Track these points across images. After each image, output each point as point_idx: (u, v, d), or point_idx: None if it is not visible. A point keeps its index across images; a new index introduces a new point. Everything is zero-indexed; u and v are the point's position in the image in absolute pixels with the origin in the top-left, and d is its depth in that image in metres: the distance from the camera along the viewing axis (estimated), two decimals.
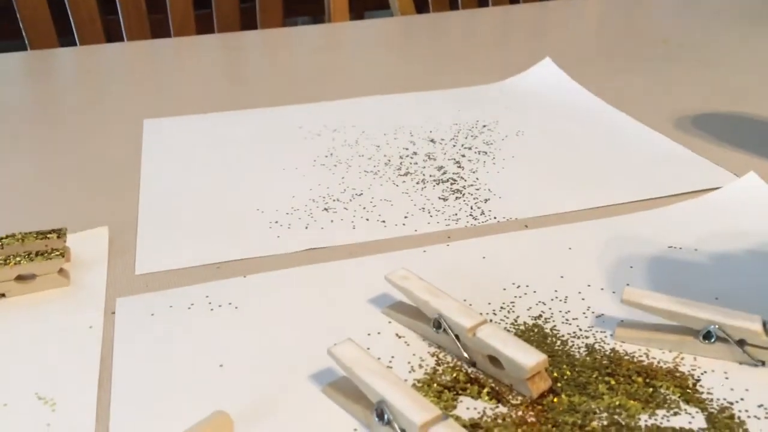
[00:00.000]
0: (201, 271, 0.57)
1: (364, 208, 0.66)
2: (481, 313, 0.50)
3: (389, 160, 0.76)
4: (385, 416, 0.39)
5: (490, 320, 0.49)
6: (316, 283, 0.55)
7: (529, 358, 0.42)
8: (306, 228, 0.63)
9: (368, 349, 0.47)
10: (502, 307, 0.51)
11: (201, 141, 0.82)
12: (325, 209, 0.66)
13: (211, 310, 0.51)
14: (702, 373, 0.44)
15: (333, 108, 0.92)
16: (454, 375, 0.44)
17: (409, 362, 0.46)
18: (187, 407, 0.42)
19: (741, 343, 0.45)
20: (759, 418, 0.41)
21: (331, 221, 0.64)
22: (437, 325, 0.46)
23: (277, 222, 0.64)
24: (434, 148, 0.79)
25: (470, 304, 0.52)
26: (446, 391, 0.43)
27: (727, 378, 0.44)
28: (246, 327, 0.50)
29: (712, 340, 0.45)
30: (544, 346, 0.47)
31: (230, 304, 0.52)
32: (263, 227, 0.63)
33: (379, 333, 0.49)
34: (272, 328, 0.49)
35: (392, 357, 0.46)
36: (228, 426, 0.40)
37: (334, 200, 0.68)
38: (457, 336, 0.45)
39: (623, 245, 0.59)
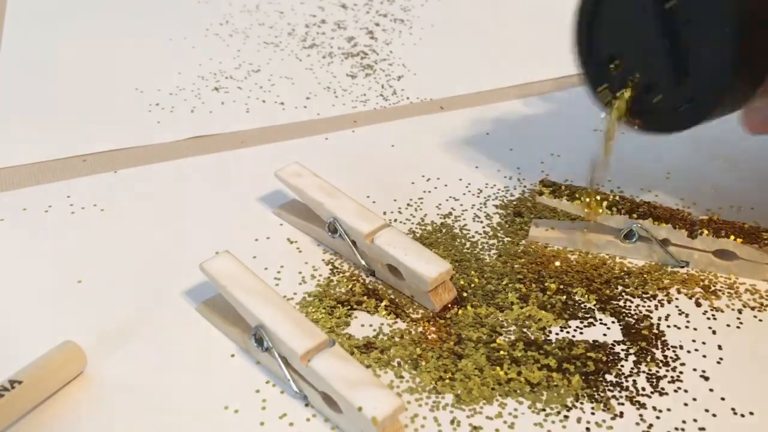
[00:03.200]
0: (63, 165, 0.48)
1: (261, 87, 0.58)
2: (384, 213, 0.45)
3: (293, 30, 0.67)
4: (264, 342, 0.33)
5: (393, 222, 0.44)
6: (198, 178, 0.48)
7: (432, 269, 0.37)
8: (192, 112, 0.55)
9: (254, 257, 0.41)
10: (409, 204, 0.46)
11: (73, 4, 0.70)
12: (216, 89, 0.58)
13: (73, 213, 0.44)
14: (620, 276, 0.40)
15: None
16: (350, 286, 0.39)
17: (300, 272, 0.40)
18: (35, 333, 0.36)
19: (664, 242, 0.41)
20: (679, 328, 0.37)
21: (222, 103, 0.56)
22: (332, 229, 0.41)
23: (157, 104, 0.55)
24: (345, 15, 0.70)
25: (374, 202, 0.46)
26: (340, 306, 0.38)
27: (646, 283, 0.40)
28: (112, 234, 0.43)
29: (634, 239, 0.41)
30: (451, 248, 0.42)
31: (95, 205, 0.45)
32: (141, 111, 0.55)
33: (268, 238, 0.43)
34: (143, 234, 0.43)
35: (282, 266, 0.41)
36: (78, 357, 0.34)
37: (226, 78, 0.59)
38: (353, 242, 0.40)
39: (545, 129, 0.54)
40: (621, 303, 0.39)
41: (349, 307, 0.38)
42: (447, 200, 0.46)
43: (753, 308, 0.39)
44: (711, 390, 0.34)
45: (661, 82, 0.35)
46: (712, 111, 0.34)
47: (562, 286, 0.40)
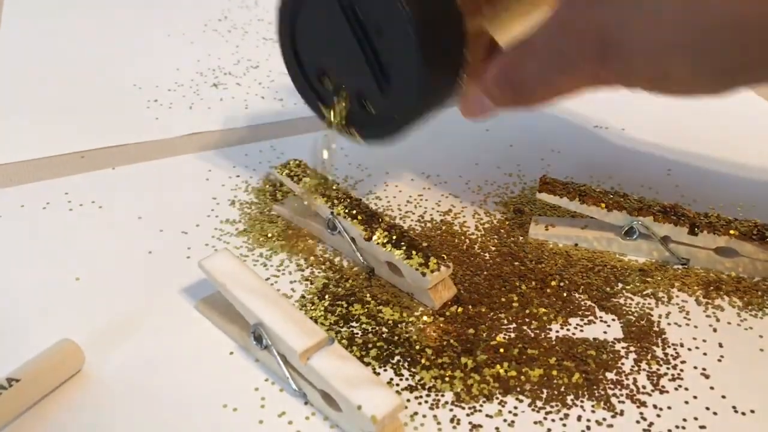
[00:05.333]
0: (61, 161, 0.48)
1: (260, 83, 0.58)
2: (383, 211, 0.45)
3: None
4: (263, 340, 0.33)
5: (392, 220, 0.44)
6: (198, 175, 0.47)
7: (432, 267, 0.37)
8: (190, 108, 0.54)
9: (253, 253, 0.41)
10: (408, 201, 0.46)
11: (72, 1, 0.70)
12: (215, 85, 0.57)
13: (71, 210, 0.44)
14: (621, 274, 0.40)
15: None
16: (350, 284, 0.39)
17: (299, 269, 0.40)
18: (33, 330, 0.36)
19: (665, 240, 0.41)
20: (680, 326, 0.37)
21: (221, 100, 0.56)
22: (332, 226, 0.40)
23: (156, 101, 0.55)
24: None
25: (378, 198, 0.46)
26: (339, 304, 0.38)
27: (647, 281, 0.40)
28: (111, 231, 0.42)
29: (634, 237, 0.41)
30: (451, 246, 0.42)
31: (94, 202, 0.44)
32: (139, 107, 0.54)
33: (268, 236, 0.42)
34: (142, 232, 0.42)
35: (281, 263, 0.40)
36: (77, 355, 0.34)
37: (225, 74, 0.59)
38: (353, 239, 0.40)
39: (545, 125, 0.54)
40: (621, 301, 0.39)
41: (348, 304, 0.38)
42: (447, 197, 0.46)
43: (754, 306, 0.38)
44: (712, 388, 0.34)
45: (369, 92, 0.35)
46: (422, 112, 0.34)
47: (562, 284, 0.40)
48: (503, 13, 0.34)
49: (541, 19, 0.33)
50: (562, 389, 0.34)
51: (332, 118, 0.37)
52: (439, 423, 0.32)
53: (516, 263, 0.41)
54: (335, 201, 0.40)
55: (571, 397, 0.33)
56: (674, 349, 0.36)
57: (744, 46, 0.26)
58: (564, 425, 0.32)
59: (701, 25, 0.26)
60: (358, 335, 0.36)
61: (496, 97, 0.34)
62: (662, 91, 0.29)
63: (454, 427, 0.32)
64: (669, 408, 0.33)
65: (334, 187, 0.41)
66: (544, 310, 0.38)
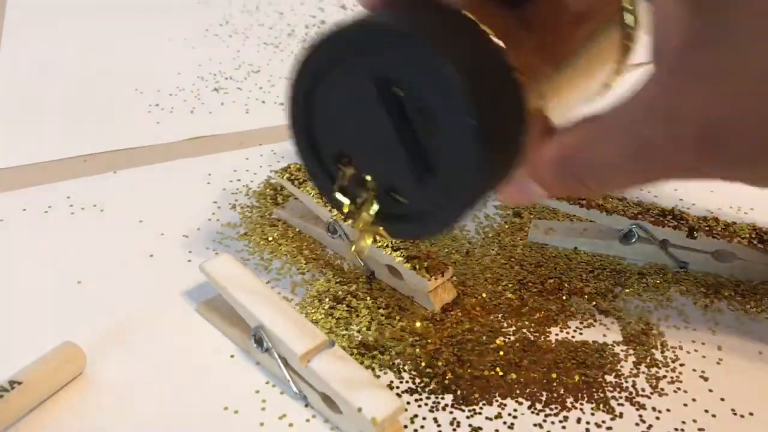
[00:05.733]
0: (63, 165, 0.48)
1: (261, 88, 0.58)
2: None
3: (293, 30, 0.67)
4: (264, 343, 0.33)
5: None
6: (199, 179, 0.48)
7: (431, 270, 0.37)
8: (191, 112, 0.55)
9: (254, 256, 0.41)
10: None
11: (74, 6, 0.70)
12: (216, 89, 0.58)
13: (72, 213, 0.44)
14: (620, 277, 0.40)
15: None
16: (350, 287, 0.39)
17: (300, 273, 0.40)
18: (35, 333, 0.36)
19: (664, 243, 0.41)
20: (679, 329, 0.37)
21: (222, 104, 0.56)
22: (332, 230, 0.41)
23: (157, 105, 0.55)
24: (345, 16, 0.70)
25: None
26: (339, 306, 0.38)
27: (645, 284, 0.40)
28: (112, 234, 0.43)
29: (633, 240, 0.41)
30: (451, 250, 0.42)
31: (95, 206, 0.45)
32: (141, 111, 0.55)
33: (269, 239, 0.43)
34: (143, 235, 0.43)
35: (281, 266, 0.41)
36: (78, 357, 0.34)
37: (226, 78, 0.59)
38: (353, 243, 0.40)
39: None
40: (620, 304, 0.39)
41: (348, 307, 0.38)
42: None
43: (752, 309, 0.39)
44: (710, 390, 0.34)
45: (403, 182, 0.26)
46: (472, 207, 0.26)
47: (561, 287, 0.40)
48: (559, 79, 0.27)
49: (604, 84, 0.29)
50: (562, 392, 0.34)
51: (356, 217, 0.28)
52: (439, 425, 0.32)
53: (516, 266, 0.41)
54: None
55: (571, 399, 0.33)
56: (673, 351, 0.36)
57: None
58: (563, 428, 0.32)
59: None
60: (359, 338, 0.36)
61: (550, 185, 0.27)
62: None
63: (454, 430, 0.32)
64: (668, 410, 0.33)
65: None
66: (543, 313, 0.38)
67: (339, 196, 0.28)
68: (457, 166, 0.24)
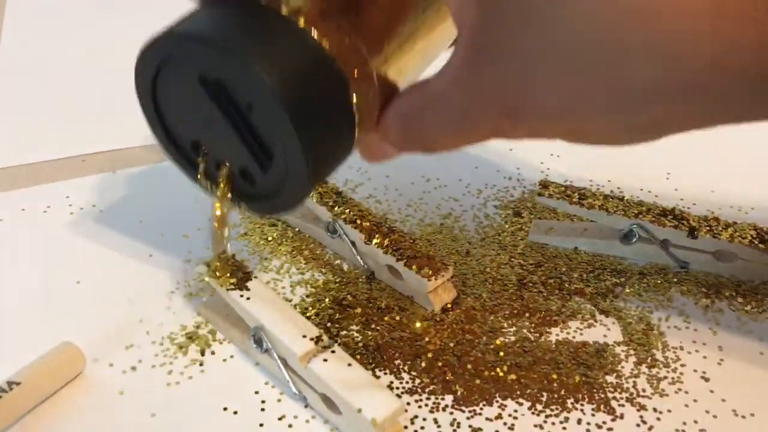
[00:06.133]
0: (62, 165, 0.48)
1: None
2: (385, 214, 0.45)
3: None
4: (263, 344, 0.33)
5: (393, 223, 0.44)
6: None
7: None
8: None
9: (254, 257, 0.41)
10: (408, 205, 0.46)
11: (73, 5, 0.70)
12: None
13: (71, 213, 0.44)
14: (620, 277, 0.40)
15: None
16: (350, 287, 0.39)
17: (299, 273, 0.40)
18: (34, 333, 0.36)
19: (664, 243, 0.41)
20: (680, 329, 0.37)
21: None
22: (332, 229, 0.41)
23: None
24: None
25: (379, 202, 0.46)
26: (339, 307, 0.38)
27: (646, 284, 0.40)
28: (112, 234, 0.42)
29: (634, 240, 0.41)
30: (451, 250, 0.42)
31: (94, 206, 0.45)
32: (140, 111, 0.54)
33: (269, 239, 0.43)
34: (143, 235, 0.42)
35: (281, 266, 0.41)
36: (78, 358, 0.34)
37: None
38: (353, 243, 0.40)
39: None
40: (621, 304, 0.39)
41: (348, 307, 0.38)
42: (446, 201, 0.46)
43: (754, 309, 0.38)
44: (712, 391, 0.34)
45: (252, 169, 0.30)
46: (314, 181, 0.29)
47: (562, 287, 0.40)
48: (400, 48, 0.30)
49: (443, 40, 0.32)
50: (562, 392, 0.34)
51: (217, 193, 0.31)
52: (439, 426, 0.32)
53: (516, 267, 0.41)
54: (334, 205, 0.40)
55: (571, 400, 0.33)
56: (674, 352, 0.36)
57: (667, 106, 0.24)
58: (564, 428, 0.32)
59: (614, 87, 0.23)
60: (359, 338, 0.36)
61: (397, 144, 0.31)
62: (579, 143, 0.27)
63: (454, 430, 0.32)
64: (669, 411, 0.33)
65: (334, 191, 0.41)
66: (544, 313, 0.38)
67: (202, 179, 0.31)
68: (287, 154, 0.27)
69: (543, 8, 0.23)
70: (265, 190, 0.30)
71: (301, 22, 0.27)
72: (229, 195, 0.31)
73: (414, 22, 0.30)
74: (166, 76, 0.29)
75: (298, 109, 0.26)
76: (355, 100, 0.28)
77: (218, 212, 0.33)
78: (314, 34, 0.27)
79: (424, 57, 0.32)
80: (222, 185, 0.31)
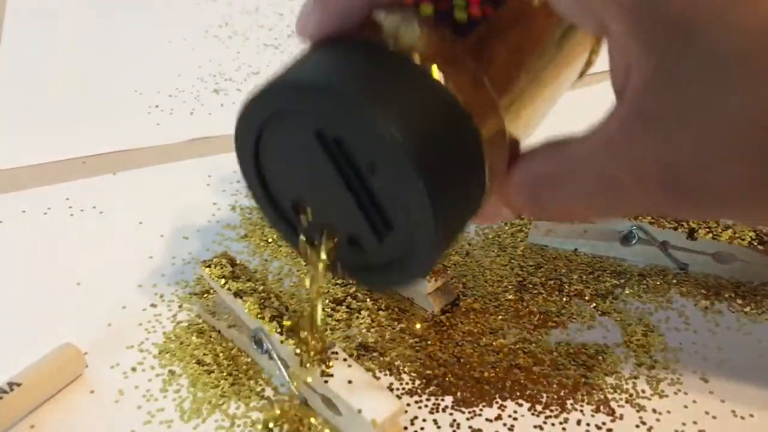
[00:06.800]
0: (63, 167, 0.48)
1: None
2: None
3: (293, 32, 0.67)
4: (264, 345, 0.33)
5: None
6: (199, 180, 0.47)
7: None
8: (191, 114, 0.55)
9: (254, 258, 0.41)
10: None
11: (74, 8, 0.70)
12: (215, 91, 0.58)
13: (72, 215, 0.44)
14: (620, 279, 0.40)
15: None
16: (350, 289, 0.39)
17: (302, 275, 0.40)
18: (35, 335, 0.36)
19: (664, 245, 0.41)
20: (679, 330, 0.37)
21: (221, 105, 0.56)
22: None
23: (157, 106, 0.55)
24: None
25: None
26: (339, 308, 0.38)
27: (646, 286, 0.40)
28: (112, 236, 0.43)
29: (634, 242, 0.41)
30: (451, 251, 0.42)
31: (95, 207, 0.45)
32: (140, 113, 0.55)
33: (268, 241, 0.43)
34: (142, 236, 0.43)
35: (282, 268, 0.41)
36: (78, 359, 0.34)
37: (226, 80, 0.59)
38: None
39: (545, 130, 0.54)
40: (621, 305, 0.39)
41: (348, 309, 0.38)
42: None
43: (753, 310, 0.38)
44: (711, 392, 0.34)
45: (363, 236, 0.25)
46: (437, 256, 0.25)
47: (562, 289, 0.40)
48: (520, 91, 0.26)
49: (568, 83, 0.28)
50: (562, 393, 0.34)
51: (318, 261, 0.27)
52: (439, 427, 0.32)
53: (516, 268, 0.41)
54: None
55: (571, 401, 0.33)
56: (674, 353, 0.36)
57: None
58: (563, 429, 0.32)
59: None
60: (358, 340, 0.36)
61: (521, 209, 0.27)
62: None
63: (454, 431, 0.32)
64: (668, 412, 0.33)
65: None
66: (543, 314, 0.38)
67: (302, 245, 0.27)
68: (414, 222, 0.23)
69: (734, 73, 0.19)
70: (377, 260, 0.26)
71: (435, 71, 0.23)
72: (335, 265, 0.27)
73: (544, 60, 0.27)
74: (274, 129, 0.25)
75: (431, 173, 0.22)
76: (487, 161, 0.24)
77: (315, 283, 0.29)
78: (449, 84, 0.23)
79: (550, 105, 0.29)
80: (325, 253, 0.27)
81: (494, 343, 0.36)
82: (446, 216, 0.23)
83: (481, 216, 0.27)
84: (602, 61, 0.26)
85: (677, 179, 0.21)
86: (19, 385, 0.31)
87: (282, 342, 0.32)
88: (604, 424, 0.32)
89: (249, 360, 0.35)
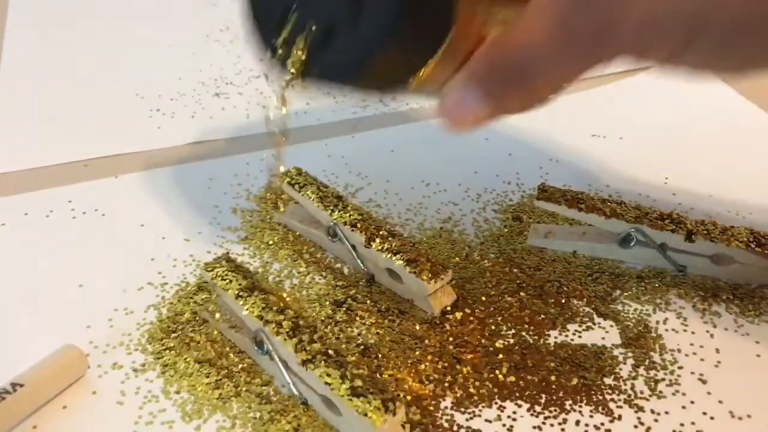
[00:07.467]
0: (64, 170, 0.49)
1: (262, 93, 0.59)
2: (384, 218, 0.45)
3: None
4: (265, 345, 0.34)
5: (393, 227, 0.44)
6: (200, 183, 0.48)
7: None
8: (192, 117, 0.55)
9: (255, 260, 0.41)
10: (408, 209, 0.46)
11: (76, 12, 0.71)
12: (216, 94, 0.58)
13: (74, 218, 0.44)
14: (619, 281, 0.41)
15: None
16: (351, 291, 0.40)
17: (301, 277, 0.41)
18: (39, 337, 0.36)
19: (662, 247, 0.41)
20: (677, 332, 0.38)
21: (222, 109, 0.56)
22: (332, 233, 0.41)
23: (158, 110, 0.56)
24: None
25: (379, 206, 0.46)
26: (339, 309, 0.38)
27: (644, 288, 0.40)
28: (114, 238, 0.43)
29: (632, 244, 0.41)
30: (451, 254, 0.42)
31: (96, 210, 0.45)
32: (142, 116, 0.55)
33: (269, 243, 0.43)
34: (144, 238, 0.43)
35: (282, 270, 0.41)
36: (80, 361, 0.34)
37: (227, 84, 0.60)
38: (353, 246, 0.40)
39: (544, 134, 0.54)
40: (619, 307, 0.39)
41: (348, 310, 0.38)
42: (446, 205, 0.46)
43: (750, 312, 0.39)
44: (709, 393, 0.34)
45: (339, 24, 0.30)
46: (389, 49, 0.29)
47: (560, 290, 0.40)
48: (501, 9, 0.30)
49: None
50: (561, 394, 0.34)
51: (292, 59, 0.32)
52: (438, 428, 0.32)
53: (515, 270, 0.41)
54: (335, 209, 0.41)
55: (570, 402, 0.34)
56: (672, 354, 0.36)
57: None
58: (562, 430, 0.32)
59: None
60: (359, 341, 0.36)
61: (486, 85, 0.28)
62: (675, 66, 0.27)
63: None
64: (666, 413, 0.33)
65: (334, 195, 0.42)
66: (542, 316, 0.38)
67: (279, 44, 0.32)
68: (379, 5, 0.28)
69: None
70: (340, 54, 0.31)
71: None
72: (304, 57, 0.31)
73: None
74: None
75: None
76: None
77: (288, 76, 0.33)
78: None
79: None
80: (302, 43, 0.31)
81: (493, 345, 0.36)
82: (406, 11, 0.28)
83: (449, 108, 0.29)
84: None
85: (610, 29, 0.25)
86: (21, 385, 0.31)
87: (282, 342, 0.32)
88: (602, 424, 0.33)
89: (250, 361, 0.35)
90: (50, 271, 0.40)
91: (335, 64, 0.31)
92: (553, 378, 0.35)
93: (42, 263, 0.41)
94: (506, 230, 0.44)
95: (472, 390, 0.34)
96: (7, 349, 0.35)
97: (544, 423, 0.33)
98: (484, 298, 0.39)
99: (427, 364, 0.35)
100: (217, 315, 0.37)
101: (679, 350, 0.36)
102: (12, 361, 0.33)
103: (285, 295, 0.39)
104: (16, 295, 0.39)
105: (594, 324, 0.38)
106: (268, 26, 0.33)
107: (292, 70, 0.32)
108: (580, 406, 0.33)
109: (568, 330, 0.38)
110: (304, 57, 0.32)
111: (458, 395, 0.34)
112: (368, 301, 0.39)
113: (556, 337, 0.37)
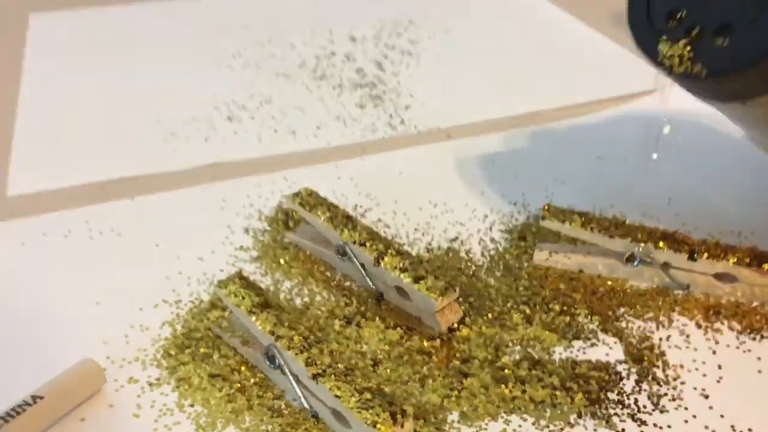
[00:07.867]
0: (82, 191, 0.50)
1: (273, 117, 0.60)
2: (393, 237, 0.46)
3: (304, 62, 0.69)
4: (276, 360, 0.35)
5: (401, 246, 0.45)
6: (214, 204, 0.49)
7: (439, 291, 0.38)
8: (206, 141, 0.57)
9: (267, 278, 0.42)
10: (416, 229, 0.47)
11: (93, 38, 0.73)
12: (229, 118, 0.60)
13: (91, 238, 0.46)
14: (622, 299, 0.41)
15: (243, 0, 0.83)
16: (360, 308, 0.41)
17: (311, 295, 0.42)
18: (58, 352, 0.37)
19: (665, 266, 0.42)
20: (680, 348, 0.38)
21: (235, 132, 0.58)
22: (342, 252, 0.42)
23: (173, 134, 0.57)
24: (354, 48, 0.73)
25: (387, 226, 0.47)
26: (348, 326, 0.39)
27: (648, 305, 0.41)
28: (130, 257, 0.44)
29: (636, 263, 0.42)
30: (457, 272, 0.43)
31: (113, 230, 0.46)
32: (157, 139, 0.57)
33: (281, 262, 0.44)
34: (159, 258, 0.44)
35: (292, 287, 0.42)
36: (98, 375, 0.35)
37: (239, 108, 0.61)
38: (363, 265, 0.41)
39: (549, 156, 0.55)
40: (623, 324, 0.40)
41: (358, 326, 0.39)
42: (453, 225, 0.47)
43: (752, 330, 0.39)
44: (711, 407, 0.35)
45: (733, 20, 0.32)
46: None
47: (565, 308, 0.41)
48: None
49: None
50: (566, 409, 0.35)
51: (677, 52, 0.34)
52: None
53: (521, 288, 0.42)
54: (345, 228, 0.42)
55: (574, 416, 0.34)
56: (674, 370, 0.37)
57: None
58: None
59: None
60: (368, 356, 0.37)
61: None
62: None
63: None
64: (669, 427, 0.34)
65: (344, 216, 0.43)
66: (548, 333, 0.39)
67: (664, 42, 0.35)
68: None
69: None
70: (734, 51, 0.32)
71: None
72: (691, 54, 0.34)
73: None
74: None
75: None
76: None
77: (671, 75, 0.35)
78: None
79: None
80: (687, 40, 0.34)
81: (500, 361, 0.37)
82: None
83: None
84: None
85: None
86: (41, 398, 0.33)
87: (294, 357, 0.33)
88: None
89: (262, 375, 0.36)
90: (69, 289, 0.42)
91: (725, 59, 0.33)
92: (558, 393, 0.35)
93: (61, 282, 0.42)
94: (512, 249, 0.45)
95: (478, 404, 0.35)
96: (27, 363, 0.37)
97: None
98: (490, 315, 0.40)
99: (434, 379, 0.36)
100: (230, 331, 0.38)
101: (681, 366, 0.37)
102: (32, 374, 0.34)
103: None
104: (36, 311, 0.40)
105: (598, 340, 0.39)
106: (654, 27, 0.35)
107: (680, 69, 0.35)
108: (585, 421, 0.34)
109: (573, 346, 0.38)
110: (691, 55, 0.34)
111: (465, 409, 0.35)
112: (377, 318, 0.40)
113: (561, 353, 0.38)
